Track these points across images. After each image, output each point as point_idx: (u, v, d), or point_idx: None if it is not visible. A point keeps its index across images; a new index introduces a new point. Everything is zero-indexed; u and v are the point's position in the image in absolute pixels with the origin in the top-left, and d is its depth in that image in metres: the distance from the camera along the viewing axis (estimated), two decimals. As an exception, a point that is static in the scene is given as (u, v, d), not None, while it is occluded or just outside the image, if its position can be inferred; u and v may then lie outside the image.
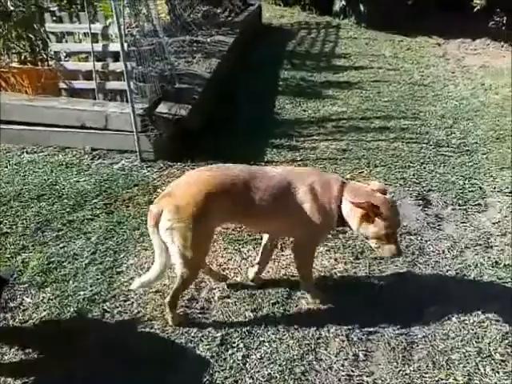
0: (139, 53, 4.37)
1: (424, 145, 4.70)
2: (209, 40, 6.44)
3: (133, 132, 4.18)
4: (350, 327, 2.67)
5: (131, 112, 4.11)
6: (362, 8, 8.81)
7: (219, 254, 3.22)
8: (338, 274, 3.07)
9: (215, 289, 2.92)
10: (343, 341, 2.60)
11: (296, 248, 2.77)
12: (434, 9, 8.16)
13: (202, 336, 2.61)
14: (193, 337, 2.61)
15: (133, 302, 2.82)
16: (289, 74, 6.50)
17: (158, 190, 3.89)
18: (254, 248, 3.23)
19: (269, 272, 3.06)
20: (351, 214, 2.51)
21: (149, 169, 4.20)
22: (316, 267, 3.03)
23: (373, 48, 7.76)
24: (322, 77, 6.43)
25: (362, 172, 4.16)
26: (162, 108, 4.44)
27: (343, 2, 9.17)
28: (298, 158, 4.36)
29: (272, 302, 2.83)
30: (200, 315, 2.74)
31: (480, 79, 6.58)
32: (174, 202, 2.43)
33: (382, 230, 2.47)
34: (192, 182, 2.55)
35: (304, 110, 5.41)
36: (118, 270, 3.06)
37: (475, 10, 8.00)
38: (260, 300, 2.84)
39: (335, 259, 3.17)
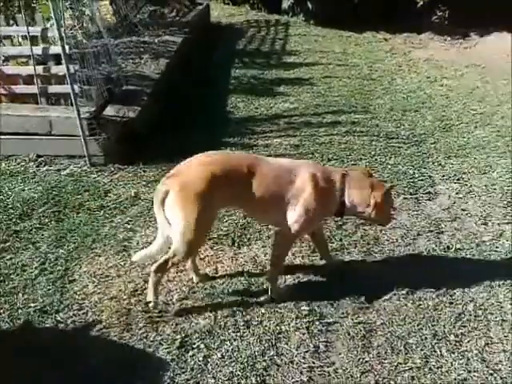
0: (83, 55, 4.26)
1: (375, 137, 4.83)
2: (156, 40, 6.36)
3: (80, 136, 4.06)
4: (309, 320, 2.71)
5: (77, 116, 3.99)
6: (309, 5, 8.94)
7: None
8: (296, 268, 3.10)
9: (173, 291, 2.88)
10: (304, 334, 2.63)
11: (283, 236, 2.80)
12: (379, 5, 8.37)
13: (162, 340, 2.57)
14: (152, 341, 2.56)
15: (87, 311, 2.74)
16: (240, 72, 6.51)
17: (110, 195, 3.81)
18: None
19: (226, 270, 3.06)
20: (362, 202, 2.74)
21: (99, 173, 4.09)
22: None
23: (322, 44, 7.89)
24: (273, 74, 6.48)
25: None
26: (110, 111, 4.34)
27: (291, 0, 9.28)
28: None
29: (231, 300, 2.82)
30: (158, 318, 2.70)
31: (425, 72, 6.82)
32: (181, 182, 2.53)
33: (389, 210, 2.94)
34: (198, 163, 2.64)
35: (256, 108, 5.44)
36: (70, 278, 2.97)
37: (419, 5, 8.30)
38: (219, 299, 2.83)
39: (292, 253, 3.19)
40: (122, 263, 3.09)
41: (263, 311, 2.76)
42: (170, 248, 2.62)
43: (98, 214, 3.56)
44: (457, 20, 8.16)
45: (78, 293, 2.85)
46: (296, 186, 2.65)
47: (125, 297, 2.83)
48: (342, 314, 2.77)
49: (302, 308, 2.77)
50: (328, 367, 2.46)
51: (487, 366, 2.47)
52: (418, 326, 2.70)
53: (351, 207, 2.77)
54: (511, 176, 4.18)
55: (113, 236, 3.34)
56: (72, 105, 4.03)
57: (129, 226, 3.44)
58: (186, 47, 6.67)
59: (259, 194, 2.64)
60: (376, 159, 4.43)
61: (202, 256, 3.16)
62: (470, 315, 2.78)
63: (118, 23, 6.42)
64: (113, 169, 4.14)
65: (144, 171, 4.13)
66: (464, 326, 2.71)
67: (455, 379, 2.41)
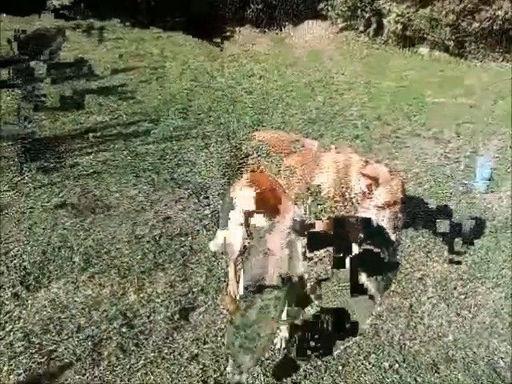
0: None
1: (194, 139, 4.88)
2: None
3: None
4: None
5: None
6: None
7: None
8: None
9: None
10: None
11: None
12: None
13: None
14: None
15: None
16: (43, 86, 6.09)
17: None
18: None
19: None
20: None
21: None
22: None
23: (139, 47, 7.77)
24: (83, 85, 6.19)
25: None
26: None
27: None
28: (56, 180, 4.09)
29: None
30: None
31: (244, 66, 7.10)
32: None
33: None
34: None
35: (63, 124, 5.14)
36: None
37: None
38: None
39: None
40: None
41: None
42: None
43: None
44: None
45: None
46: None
47: None
48: (157, 337, 2.72)
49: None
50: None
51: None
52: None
53: None
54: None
55: None
56: None
57: None
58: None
59: None
60: (195, 163, 4.48)
61: None
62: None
63: None
64: None
65: None
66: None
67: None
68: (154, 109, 5.59)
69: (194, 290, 3.05)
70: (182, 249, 3.40)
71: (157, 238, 3.48)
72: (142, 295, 2.95)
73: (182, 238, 3.50)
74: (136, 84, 6.28)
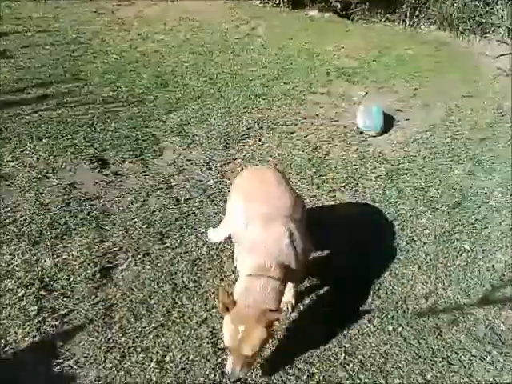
0: None
1: (90, 105, 4.67)
2: None
3: None
4: (39, 319, 2.52)
5: None
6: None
7: None
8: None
9: None
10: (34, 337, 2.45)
11: None
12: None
13: None
14: None
15: None
16: None
17: None
18: None
19: None
20: None
21: None
22: None
23: (15, 11, 7.14)
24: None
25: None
26: None
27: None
28: None
29: None
30: None
31: (136, 29, 6.85)
32: None
33: None
34: None
35: None
36: None
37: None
38: None
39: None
40: None
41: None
42: None
43: None
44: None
45: None
46: None
47: None
48: (78, 299, 2.66)
49: (29, 309, 2.56)
50: (68, 360, 2.36)
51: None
52: (157, 285, 2.80)
53: None
54: (226, 121, 4.61)
55: None
56: None
57: None
58: None
59: None
60: (95, 128, 4.31)
61: None
62: (205, 258, 3.01)
63: None
64: None
65: None
66: (200, 270, 2.92)
67: (197, 322, 2.60)
68: (40, 74, 5.21)
69: (111, 250, 3.00)
70: (95, 212, 3.31)
71: (64, 203, 3.34)
72: (57, 260, 2.84)
73: (93, 202, 3.40)
74: (17, 49, 5.79)
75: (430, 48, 7.24)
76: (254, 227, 2.48)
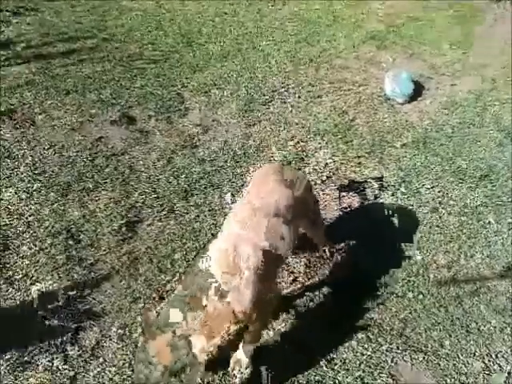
0: None
1: (117, 61, 4.66)
2: None
3: None
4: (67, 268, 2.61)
5: None
6: None
7: None
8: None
9: None
10: (64, 283, 2.54)
11: None
12: None
13: None
14: None
15: None
16: None
17: None
18: None
19: None
20: None
21: None
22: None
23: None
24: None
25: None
26: None
27: None
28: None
29: None
30: None
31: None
32: None
33: None
34: None
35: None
36: None
37: None
38: None
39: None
40: None
41: None
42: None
43: None
44: None
45: None
46: None
47: None
48: (104, 250, 2.74)
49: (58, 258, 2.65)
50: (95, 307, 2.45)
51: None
52: (181, 241, 2.86)
53: None
54: (251, 83, 4.57)
55: None
56: None
57: None
58: None
59: None
60: (121, 84, 4.32)
61: None
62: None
63: None
64: None
65: None
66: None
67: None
68: (67, 29, 5.20)
69: (137, 205, 3.06)
70: (121, 168, 3.36)
71: (92, 157, 3.40)
72: (84, 212, 2.91)
73: (119, 158, 3.45)
74: (42, 3, 5.76)
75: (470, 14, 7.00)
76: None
